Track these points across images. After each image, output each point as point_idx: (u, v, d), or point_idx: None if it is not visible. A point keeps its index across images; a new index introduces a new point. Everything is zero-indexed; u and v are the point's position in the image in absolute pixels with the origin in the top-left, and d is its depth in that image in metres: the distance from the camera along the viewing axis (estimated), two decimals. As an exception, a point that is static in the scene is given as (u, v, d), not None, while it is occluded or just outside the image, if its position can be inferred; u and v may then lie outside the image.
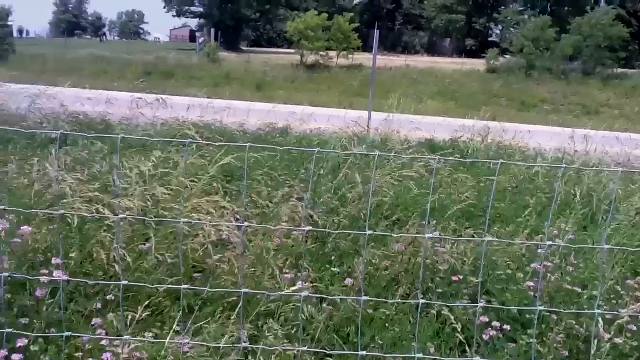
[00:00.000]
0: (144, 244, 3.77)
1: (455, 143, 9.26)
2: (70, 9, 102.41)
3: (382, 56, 32.20)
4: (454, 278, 3.80)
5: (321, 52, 36.43)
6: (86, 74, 27.05)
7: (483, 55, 39.07)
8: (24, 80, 10.37)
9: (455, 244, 4.03)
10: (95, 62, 32.43)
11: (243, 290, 2.29)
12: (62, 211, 2.68)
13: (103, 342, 2.56)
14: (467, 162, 6.37)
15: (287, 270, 3.68)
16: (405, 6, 60.44)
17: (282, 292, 3.09)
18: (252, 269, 3.75)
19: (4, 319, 2.41)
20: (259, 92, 26.67)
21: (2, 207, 2.17)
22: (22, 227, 2.97)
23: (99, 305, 2.96)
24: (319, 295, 3.23)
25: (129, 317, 2.75)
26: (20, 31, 61.40)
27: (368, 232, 2.32)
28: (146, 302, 3.05)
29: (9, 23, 35.51)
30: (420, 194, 5.18)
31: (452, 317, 3.26)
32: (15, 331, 2.31)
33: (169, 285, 2.81)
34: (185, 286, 2.35)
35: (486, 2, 54.08)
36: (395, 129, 9.36)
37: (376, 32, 13.21)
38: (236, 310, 3.21)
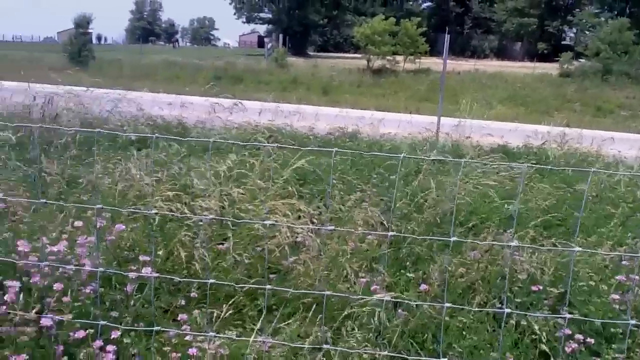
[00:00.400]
0: (222, 244, 3.87)
1: (529, 150, 8.99)
2: (145, 16, 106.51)
3: (450, 60, 31.72)
4: (534, 288, 3.70)
5: (388, 57, 36.27)
6: (160, 79, 28.06)
7: (556, 59, 37.80)
8: (104, 86, 10.82)
9: (536, 253, 3.91)
10: (168, 68, 33.55)
11: (325, 292, 2.31)
12: (154, 211, 2.79)
13: (187, 337, 2.64)
14: (547, 170, 6.16)
15: (362, 275, 3.68)
16: (475, 10, 59.28)
17: (366, 297, 3.09)
18: (327, 272, 3.78)
19: (98, 312, 2.53)
20: (325, 96, 26.83)
21: (99, 205, 2.29)
22: (116, 225, 3.11)
23: (182, 302, 3.06)
24: (400, 300, 3.21)
25: (214, 314, 2.82)
26: (99, 38, 64.37)
27: (453, 238, 2.29)
28: (226, 301, 3.13)
29: (89, 30, 37.22)
30: (497, 201, 5.07)
31: (535, 328, 3.17)
32: (109, 324, 2.42)
33: (254, 285, 2.87)
34: (269, 287, 2.40)
35: (560, 5, 52.29)
36: (466, 135, 9.20)
37: (447, 37, 13.03)
38: (311, 311, 3.25)
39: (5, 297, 2.42)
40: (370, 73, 35.33)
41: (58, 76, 12.67)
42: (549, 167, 5.58)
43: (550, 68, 37.10)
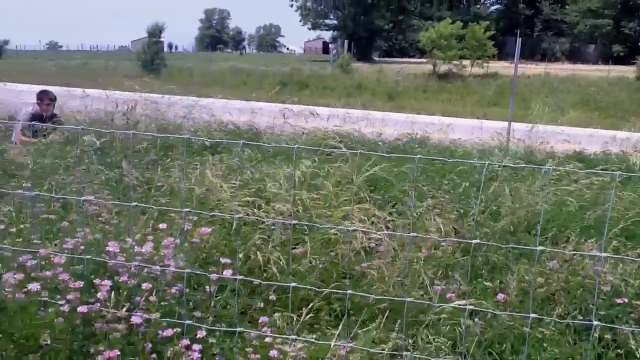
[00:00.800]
0: (295, 248, 3.92)
1: (607, 156, 8.63)
2: (214, 24, 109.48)
3: (520, 64, 30.96)
4: (618, 300, 3.55)
5: (454, 61, 35.75)
6: (227, 85, 28.80)
7: (633, 61, 36.11)
8: (176, 93, 11.18)
9: (620, 264, 3.76)
10: (235, 75, 34.38)
11: (407, 299, 2.31)
12: (239, 215, 2.86)
13: (267, 339, 2.69)
14: (631, 178, 5.89)
15: (437, 282, 3.64)
16: (546, 11, 57.48)
17: (447, 305, 3.06)
18: (400, 278, 3.76)
19: (184, 312, 2.62)
20: (390, 102, 26.75)
21: (187, 209, 2.37)
22: (202, 229, 3.21)
23: (261, 305, 3.12)
24: (479, 309, 3.15)
25: (293, 318, 2.87)
26: (170, 46, 66.67)
27: (539, 247, 2.24)
28: (303, 305, 3.16)
29: (161, 39, 38.59)
30: (578, 209, 4.89)
31: (630, 343, 3.05)
32: (194, 323, 2.50)
33: (335, 290, 2.89)
34: (350, 291, 2.41)
35: (637, 5, 49.94)
36: (540, 140, 8.94)
37: (518, 40, 12.71)
38: (384, 317, 3.24)
39: (98, 295, 2.54)
40: (436, 78, 34.95)
41: (133, 83, 13.24)
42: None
43: (627, 71, 35.52)
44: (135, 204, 2.53)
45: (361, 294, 2.81)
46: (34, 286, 2.45)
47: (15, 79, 15.49)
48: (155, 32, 35.56)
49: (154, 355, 2.47)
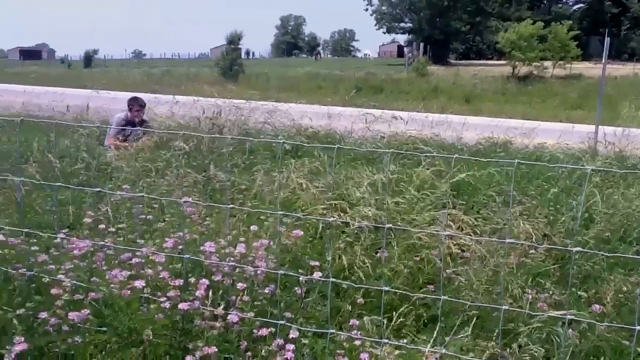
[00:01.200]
0: (376, 252, 3.91)
1: None
2: (289, 30, 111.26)
3: (606, 64, 29.54)
4: None
5: (535, 63, 34.56)
6: (303, 90, 29.14)
7: None
8: (255, 98, 11.43)
9: None
10: (311, 79, 34.70)
11: (503, 307, 2.26)
12: (332, 218, 2.90)
13: (356, 342, 2.70)
14: None
15: (528, 290, 3.54)
16: (634, 9, 54.56)
17: (543, 313, 2.97)
18: (487, 286, 3.68)
19: (277, 312, 2.69)
20: (467, 105, 26.16)
21: (281, 212, 2.43)
22: (294, 231, 3.28)
23: (349, 307, 3.15)
24: (586, 321, 3.03)
25: (384, 322, 2.87)
26: (247, 53, 68.21)
27: (647, 256, 2.13)
28: (385, 309, 3.16)
29: (239, 46, 39.53)
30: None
31: None
32: (287, 324, 2.56)
33: (428, 295, 2.88)
34: (445, 297, 2.39)
35: None
36: (631, 144, 8.49)
37: (606, 40, 12.15)
38: (471, 324, 3.18)
39: (196, 293, 2.65)
40: (515, 80, 33.89)
41: (213, 90, 13.61)
42: None
43: None
44: (232, 205, 2.62)
45: (455, 300, 2.77)
46: (138, 283, 2.58)
47: (106, 86, 16.35)
48: (234, 40, 36.48)
49: (248, 354, 2.55)
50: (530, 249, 4.03)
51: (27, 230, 3.15)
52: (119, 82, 29.27)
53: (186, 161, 6.30)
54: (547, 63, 34.97)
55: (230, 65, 33.94)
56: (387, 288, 2.39)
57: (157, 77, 35.72)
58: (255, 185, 5.09)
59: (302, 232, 3.11)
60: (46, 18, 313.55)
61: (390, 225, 2.49)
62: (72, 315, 2.50)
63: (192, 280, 2.80)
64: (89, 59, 55.59)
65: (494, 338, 2.87)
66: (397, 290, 2.66)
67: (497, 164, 5.89)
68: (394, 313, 3.00)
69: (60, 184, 3.24)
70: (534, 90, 31.04)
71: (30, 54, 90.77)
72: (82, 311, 2.53)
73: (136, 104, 8.24)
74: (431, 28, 47.75)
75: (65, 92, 16.32)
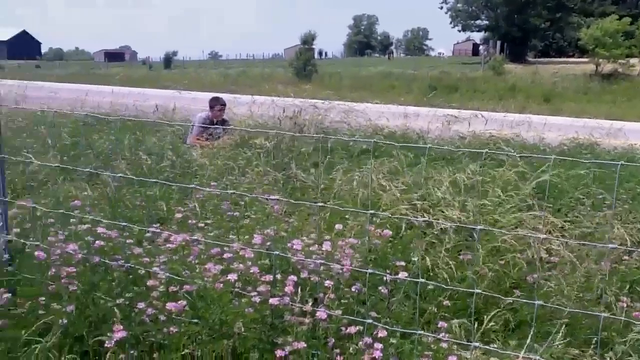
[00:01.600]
0: (459, 254, 3.84)
1: None
2: (362, 30, 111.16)
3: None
4: None
5: (621, 60, 32.87)
6: (376, 89, 29.04)
7: None
8: (332, 98, 11.48)
9: None
10: (384, 79, 34.53)
11: (602, 314, 2.17)
12: (423, 219, 2.88)
13: (443, 345, 2.67)
14: None
15: (622, 298, 3.38)
16: None
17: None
18: (577, 292, 3.54)
19: (364, 310, 2.70)
20: (546, 104, 25.24)
21: (371, 211, 2.43)
22: (384, 231, 3.29)
23: (434, 309, 3.11)
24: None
25: (474, 325, 2.82)
26: (320, 53, 68.73)
27: None
28: (476, 313, 3.10)
29: (313, 47, 39.89)
30: None
31: None
32: (375, 322, 2.56)
33: (523, 300, 2.81)
34: (540, 302, 2.32)
35: None
36: None
37: None
38: (560, 332, 3.07)
39: (285, 289, 2.70)
40: (599, 78, 32.40)
41: (287, 89, 13.77)
42: None
43: None
44: (321, 203, 2.66)
45: (551, 305, 2.68)
46: (232, 277, 2.66)
47: (187, 87, 16.92)
48: (308, 40, 36.86)
49: (336, 351, 2.57)
50: (623, 255, 3.84)
51: (124, 224, 3.30)
52: (197, 82, 30.22)
53: (266, 159, 6.43)
54: (634, 60, 33.20)
55: (303, 65, 34.28)
56: (478, 290, 2.34)
57: (233, 77, 36.66)
58: (335, 184, 5.12)
59: (391, 232, 3.09)
60: (129, 21, 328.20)
61: (482, 226, 2.43)
62: (170, 306, 2.61)
63: (279, 276, 2.86)
64: (168, 61, 57.71)
65: (591, 347, 2.76)
66: (488, 293, 2.61)
67: (586, 166, 5.66)
68: (485, 317, 2.93)
69: (155, 180, 3.38)
70: (619, 88, 29.57)
71: (114, 56, 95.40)
72: (179, 302, 2.63)
73: (218, 104, 8.48)
74: (508, 25, 46.34)
75: (148, 92, 17.05)
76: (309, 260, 2.86)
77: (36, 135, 7.83)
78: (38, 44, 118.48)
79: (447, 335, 2.67)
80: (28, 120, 8.97)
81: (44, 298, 3.04)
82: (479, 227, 2.31)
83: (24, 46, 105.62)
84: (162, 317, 2.69)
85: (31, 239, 3.56)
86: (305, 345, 2.50)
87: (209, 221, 3.99)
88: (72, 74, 45.21)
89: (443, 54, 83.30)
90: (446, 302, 3.10)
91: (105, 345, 2.65)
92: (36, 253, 3.21)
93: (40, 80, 17.68)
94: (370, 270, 2.53)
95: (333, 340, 2.61)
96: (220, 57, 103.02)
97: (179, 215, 3.78)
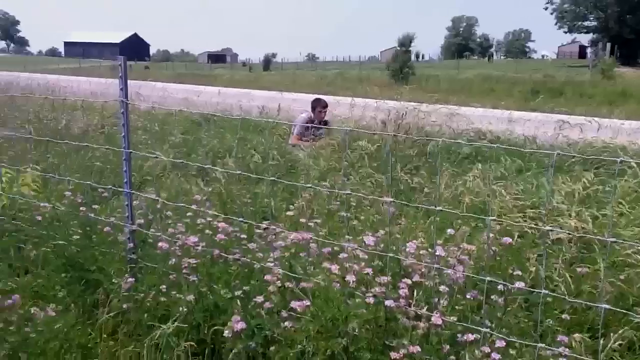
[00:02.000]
0: (580, 267, 3.66)
1: None
2: (460, 32, 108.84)
3: None
4: None
5: None
6: (474, 92, 28.29)
7: None
8: (433, 101, 11.30)
9: None
10: (483, 82, 33.60)
11: None
12: (548, 227, 2.78)
13: (563, 360, 2.56)
14: None
15: None
16: None
17: None
18: None
19: (478, 318, 2.65)
20: (665, 110, 23.51)
21: (492, 217, 2.37)
22: (504, 238, 3.20)
23: (552, 323, 2.99)
24: None
25: (600, 341, 2.69)
26: (417, 55, 68.01)
27: None
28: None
29: (410, 49, 39.57)
30: None
31: None
32: (492, 332, 2.51)
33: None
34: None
35: None
36: None
37: None
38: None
39: (400, 292, 2.69)
40: None
41: (385, 92, 13.68)
42: None
43: None
44: (440, 208, 2.62)
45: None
46: (349, 277, 2.69)
47: (288, 88, 17.33)
48: (406, 42, 36.61)
49: (452, 358, 2.53)
50: None
51: (240, 219, 3.42)
52: (295, 84, 30.82)
53: (371, 162, 6.43)
54: None
55: (400, 68, 34.04)
56: (606, 305, 2.22)
57: (330, 79, 37.05)
58: (442, 188, 5.05)
59: (510, 239, 3.00)
60: (230, 24, 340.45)
61: (614, 239, 2.30)
62: (295, 304, 2.67)
63: (389, 278, 2.85)
64: (267, 62, 59.33)
65: None
66: (615, 309, 2.46)
67: None
68: (611, 334, 2.78)
69: (274, 178, 3.48)
70: None
71: (216, 58, 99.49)
72: (303, 301, 2.69)
73: (319, 105, 8.59)
74: (620, 26, 43.71)
75: (250, 93, 17.61)
76: (426, 264, 2.83)
77: (150, 131, 8.32)
78: (147, 45, 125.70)
79: (567, 350, 2.55)
80: (143, 117, 9.53)
81: (164, 286, 3.22)
82: (610, 239, 2.18)
83: (134, 48, 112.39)
84: (283, 313, 2.77)
85: (152, 229, 3.78)
86: (420, 349, 2.48)
87: (317, 220, 4.06)
88: (179, 74, 47.50)
89: (547, 56, 79.81)
90: (565, 316, 2.96)
91: (225, 334, 2.77)
92: (159, 244, 3.41)
93: (152, 80, 18.71)
94: (489, 278, 2.46)
95: (448, 347, 2.57)
96: (317, 59, 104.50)
97: (290, 213, 3.87)
